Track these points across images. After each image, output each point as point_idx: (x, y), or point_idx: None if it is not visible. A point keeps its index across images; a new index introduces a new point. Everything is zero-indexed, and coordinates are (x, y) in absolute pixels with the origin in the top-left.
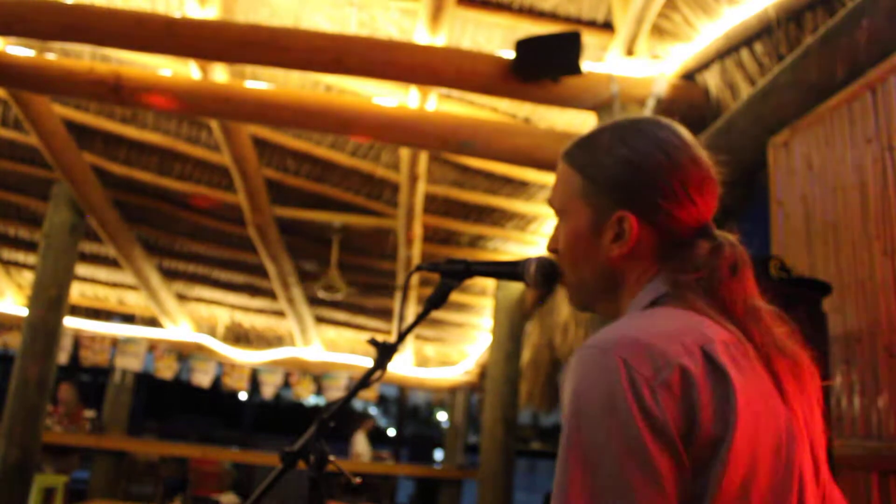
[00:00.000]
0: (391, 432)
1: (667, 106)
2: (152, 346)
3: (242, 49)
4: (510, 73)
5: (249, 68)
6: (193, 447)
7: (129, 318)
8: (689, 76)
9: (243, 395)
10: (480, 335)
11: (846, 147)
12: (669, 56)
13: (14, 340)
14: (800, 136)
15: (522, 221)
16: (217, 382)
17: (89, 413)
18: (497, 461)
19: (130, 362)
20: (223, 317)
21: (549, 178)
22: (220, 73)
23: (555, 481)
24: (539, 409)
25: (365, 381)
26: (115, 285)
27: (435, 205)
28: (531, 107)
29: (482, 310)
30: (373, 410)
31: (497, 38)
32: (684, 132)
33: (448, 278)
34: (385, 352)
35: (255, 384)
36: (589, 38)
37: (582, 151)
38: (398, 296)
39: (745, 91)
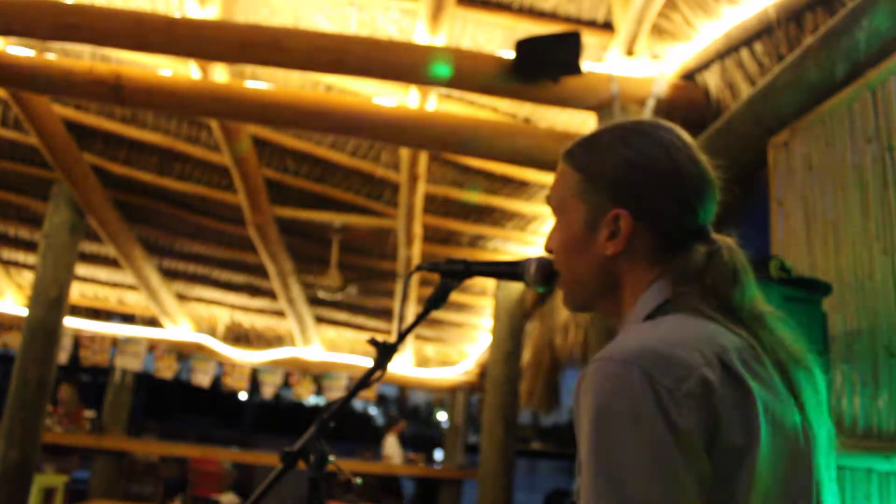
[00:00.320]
0: None
1: (667, 106)
2: (152, 346)
3: (242, 49)
4: (510, 73)
5: (249, 68)
6: (193, 447)
7: (129, 318)
8: (689, 76)
9: (243, 395)
10: (480, 335)
11: (846, 147)
12: (669, 56)
13: (14, 340)
14: (800, 136)
15: (522, 221)
16: (217, 382)
17: (89, 413)
18: (497, 461)
19: (130, 362)
20: (223, 317)
21: (549, 178)
22: (220, 73)
23: (583, 492)
24: (539, 409)
25: (365, 381)
26: (115, 285)
27: (435, 205)
28: (531, 107)
29: (482, 310)
30: (373, 410)
31: (497, 38)
32: (685, 135)
33: (448, 278)
34: (385, 352)
35: (255, 384)
36: (589, 38)
37: (582, 150)
38: (398, 296)
39: (745, 91)
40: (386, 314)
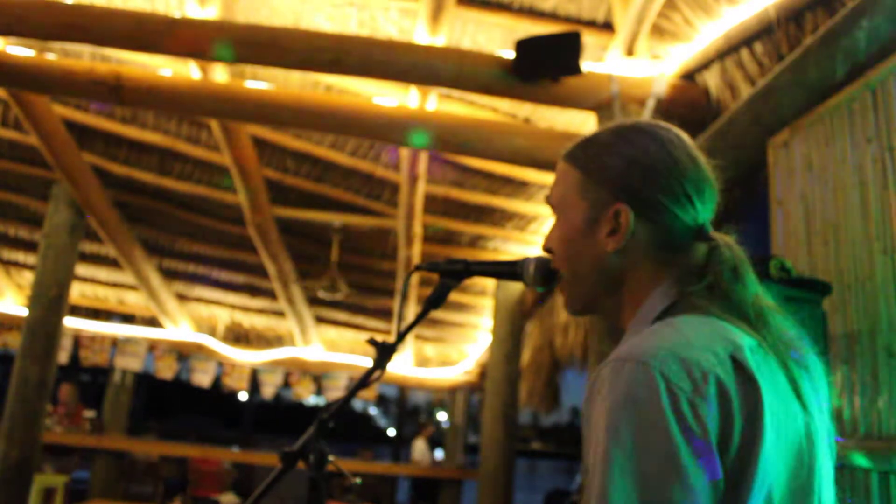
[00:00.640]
0: (391, 432)
1: (667, 106)
2: (152, 346)
3: (242, 49)
4: (510, 73)
5: (249, 68)
6: (193, 447)
7: (129, 318)
8: (689, 76)
9: (243, 395)
10: (480, 335)
11: (846, 147)
12: (669, 56)
13: (14, 340)
14: (800, 136)
15: (522, 221)
16: (217, 382)
17: (89, 413)
18: (497, 461)
19: (130, 362)
20: (223, 317)
21: (549, 178)
22: (220, 73)
23: (594, 495)
24: (539, 409)
25: (365, 381)
26: (115, 285)
27: (435, 205)
28: (531, 107)
29: (482, 310)
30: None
31: (497, 38)
32: (683, 134)
33: (447, 278)
34: (385, 352)
35: (255, 384)
36: (589, 38)
37: (582, 149)
38: (398, 296)
39: (745, 91)
40: (386, 314)
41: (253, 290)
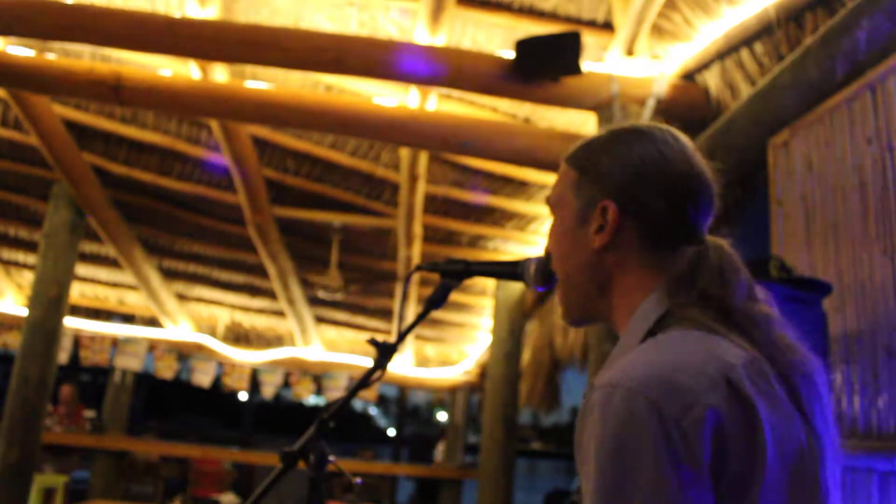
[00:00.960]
0: (391, 432)
1: (667, 106)
2: (152, 346)
3: (242, 49)
4: (510, 73)
5: (249, 68)
6: (193, 447)
7: (129, 318)
8: (689, 76)
9: (243, 395)
10: (480, 335)
11: (846, 147)
12: (669, 56)
13: (14, 340)
14: (800, 136)
15: (522, 221)
16: (217, 382)
17: (89, 413)
18: (497, 461)
19: (130, 362)
20: (223, 317)
21: (548, 178)
22: (220, 73)
23: None
24: (539, 409)
25: (365, 381)
26: (115, 285)
27: (435, 205)
28: (531, 107)
29: (482, 310)
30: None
31: (497, 38)
32: (682, 136)
33: (448, 278)
34: (385, 352)
35: (255, 384)
36: (589, 38)
37: (580, 150)
38: (398, 296)
39: (745, 91)
40: (386, 314)
41: (253, 290)
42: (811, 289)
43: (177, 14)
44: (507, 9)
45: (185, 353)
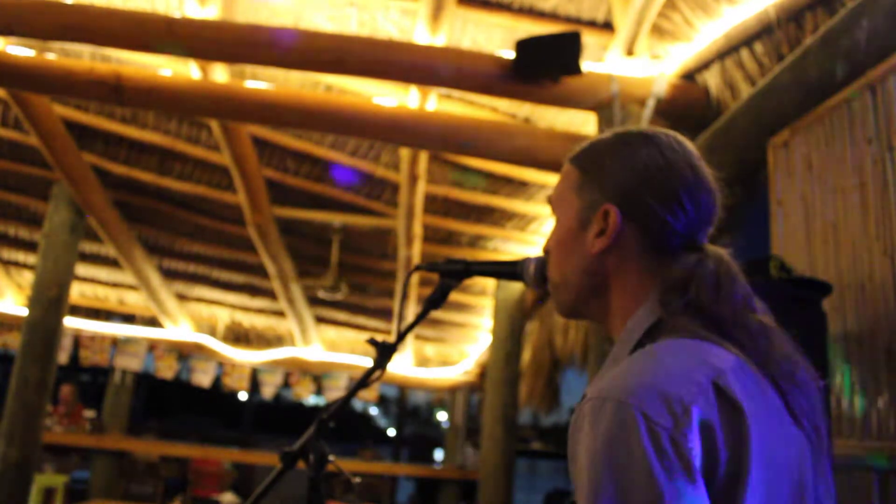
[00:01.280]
0: (391, 432)
1: (667, 106)
2: (152, 346)
3: (242, 49)
4: (510, 73)
5: (249, 68)
6: (193, 447)
7: (129, 318)
8: (689, 76)
9: (243, 395)
10: (480, 335)
11: (846, 147)
12: (669, 56)
13: (14, 340)
14: (800, 136)
15: (522, 221)
16: (217, 382)
17: (89, 413)
18: (497, 461)
19: (130, 362)
20: (223, 317)
21: (548, 178)
22: (220, 73)
23: None
24: (539, 409)
25: (364, 380)
26: (115, 285)
27: (435, 205)
28: (531, 107)
29: (482, 310)
30: (373, 410)
31: (497, 38)
32: (689, 144)
33: (447, 278)
34: (385, 352)
35: (255, 384)
36: (589, 38)
37: (584, 150)
38: (398, 296)
39: (745, 91)
40: (386, 314)
41: (253, 290)
42: (811, 289)
43: (177, 14)
44: (507, 9)
45: (185, 353)
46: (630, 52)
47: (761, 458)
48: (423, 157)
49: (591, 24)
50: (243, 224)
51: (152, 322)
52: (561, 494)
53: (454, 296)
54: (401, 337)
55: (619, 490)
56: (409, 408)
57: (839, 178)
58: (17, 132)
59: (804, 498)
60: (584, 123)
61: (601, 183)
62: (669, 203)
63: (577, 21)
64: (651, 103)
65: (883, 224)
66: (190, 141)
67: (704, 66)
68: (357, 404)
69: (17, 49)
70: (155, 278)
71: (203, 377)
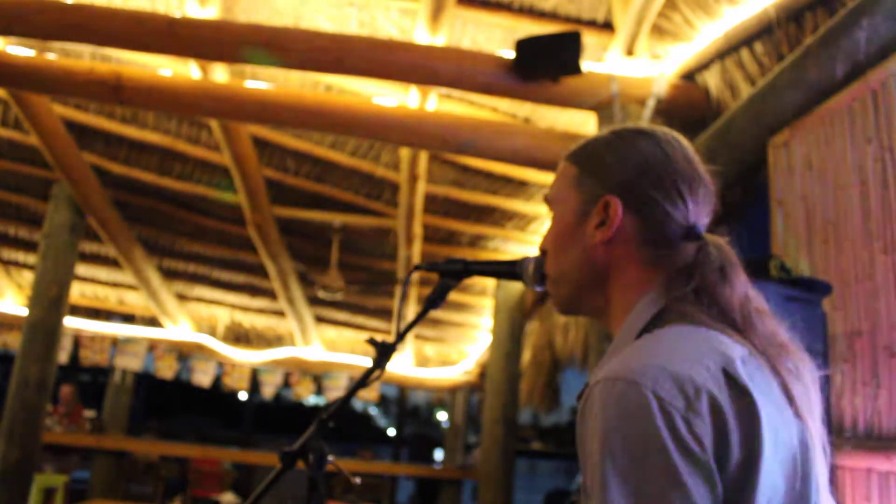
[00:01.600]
0: (391, 432)
1: (667, 106)
2: (152, 345)
3: (242, 49)
4: (510, 73)
5: (249, 68)
6: (193, 447)
7: (129, 318)
8: (689, 76)
9: (243, 395)
10: (480, 335)
11: (846, 147)
12: (669, 56)
13: (14, 340)
14: (800, 136)
15: (522, 221)
16: (217, 382)
17: (89, 413)
18: (497, 461)
19: (130, 362)
20: (223, 317)
21: (549, 178)
22: (220, 73)
23: None
24: (539, 409)
25: (364, 380)
26: (115, 285)
27: (435, 205)
28: (531, 107)
29: (482, 310)
30: (373, 410)
31: (497, 38)
32: (683, 139)
33: (447, 278)
34: (384, 351)
35: (255, 384)
36: (589, 38)
37: (581, 147)
38: (398, 295)
39: (745, 91)
40: (386, 314)
41: (253, 290)
42: (811, 289)
43: (177, 14)
44: (507, 9)
45: (185, 353)
46: (630, 52)
47: (771, 446)
48: (423, 157)
49: (591, 24)
50: (243, 224)
51: (152, 322)
52: (561, 494)
53: (454, 296)
54: (400, 337)
55: (634, 469)
56: (409, 408)
57: (839, 177)
58: (17, 132)
59: (807, 485)
60: (584, 123)
61: (600, 176)
62: (670, 194)
63: (577, 21)
64: (651, 103)
65: (883, 224)
66: (190, 141)
67: (704, 66)
68: (357, 404)
69: (17, 49)
70: (155, 278)
71: (203, 377)
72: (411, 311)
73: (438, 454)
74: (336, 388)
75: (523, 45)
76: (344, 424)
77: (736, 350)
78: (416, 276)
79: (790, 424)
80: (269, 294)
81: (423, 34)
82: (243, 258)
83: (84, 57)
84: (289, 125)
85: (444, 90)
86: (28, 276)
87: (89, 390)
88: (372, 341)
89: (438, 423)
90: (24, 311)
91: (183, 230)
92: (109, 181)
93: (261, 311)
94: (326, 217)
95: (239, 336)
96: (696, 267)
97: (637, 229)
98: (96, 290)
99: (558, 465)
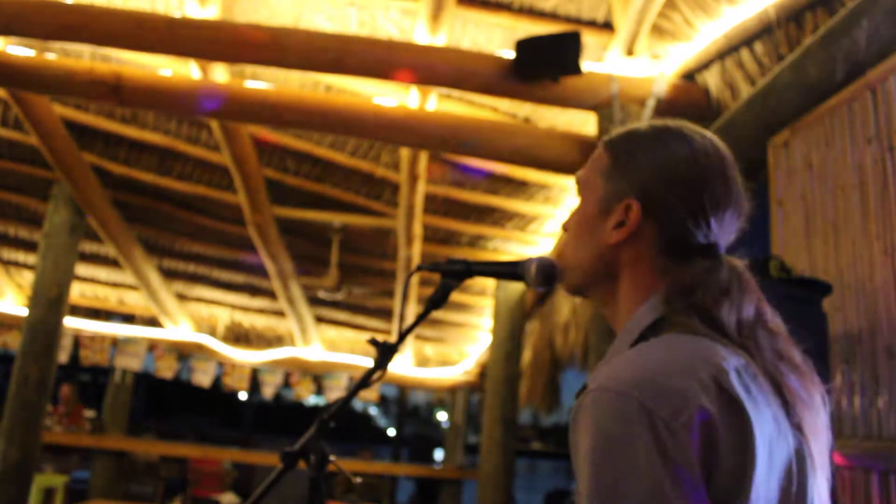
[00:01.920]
0: (391, 432)
1: (667, 106)
2: (152, 345)
3: (242, 49)
4: (510, 73)
5: (249, 68)
6: (193, 447)
7: (129, 318)
8: (689, 76)
9: (243, 395)
10: (480, 335)
11: (846, 147)
12: (669, 56)
13: (14, 340)
14: (800, 136)
15: (522, 221)
16: (217, 382)
17: (89, 413)
18: (497, 461)
19: (130, 362)
20: (223, 317)
21: (549, 178)
22: (220, 73)
23: None
24: (539, 409)
25: (365, 381)
26: (115, 285)
27: (435, 205)
28: (531, 107)
29: (482, 310)
30: (373, 410)
31: (497, 38)
32: (724, 148)
33: (448, 278)
34: (385, 352)
35: (255, 384)
36: (589, 38)
37: (620, 137)
38: (398, 296)
39: (745, 91)
40: (386, 314)
41: (253, 290)
42: (811, 289)
43: (177, 14)
44: (507, 9)
45: (185, 353)
46: (630, 52)
47: (764, 460)
48: (423, 157)
49: (591, 24)
50: (243, 224)
51: (152, 322)
52: (561, 494)
53: (454, 296)
54: (401, 337)
55: (619, 479)
56: (409, 408)
57: (839, 177)
58: (17, 132)
59: (801, 498)
60: (585, 123)
61: (629, 174)
62: (693, 211)
63: (577, 21)
64: (651, 103)
65: (883, 224)
66: (190, 141)
67: (704, 66)
68: (357, 404)
69: (17, 49)
70: (155, 278)
71: (203, 377)
72: (412, 311)
73: (438, 454)
74: (336, 389)
75: (523, 45)
76: (344, 424)
77: (731, 361)
78: (416, 276)
79: (787, 437)
80: (269, 294)
81: (423, 34)
82: (243, 258)
83: (84, 57)
84: (289, 125)
85: (444, 90)
86: (28, 276)
87: (89, 390)
88: (373, 342)
89: (438, 423)
90: (24, 311)
91: (183, 230)
92: (109, 181)
93: (261, 311)
94: (326, 217)
95: (239, 336)
96: (699, 285)
97: (654, 237)
98: (96, 290)
99: (558, 465)
